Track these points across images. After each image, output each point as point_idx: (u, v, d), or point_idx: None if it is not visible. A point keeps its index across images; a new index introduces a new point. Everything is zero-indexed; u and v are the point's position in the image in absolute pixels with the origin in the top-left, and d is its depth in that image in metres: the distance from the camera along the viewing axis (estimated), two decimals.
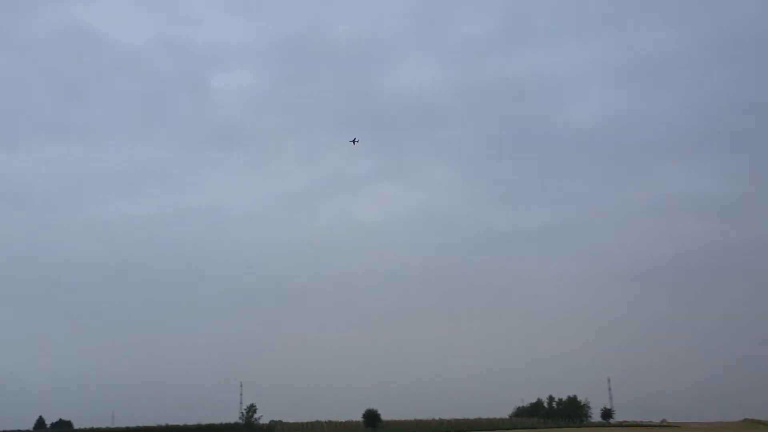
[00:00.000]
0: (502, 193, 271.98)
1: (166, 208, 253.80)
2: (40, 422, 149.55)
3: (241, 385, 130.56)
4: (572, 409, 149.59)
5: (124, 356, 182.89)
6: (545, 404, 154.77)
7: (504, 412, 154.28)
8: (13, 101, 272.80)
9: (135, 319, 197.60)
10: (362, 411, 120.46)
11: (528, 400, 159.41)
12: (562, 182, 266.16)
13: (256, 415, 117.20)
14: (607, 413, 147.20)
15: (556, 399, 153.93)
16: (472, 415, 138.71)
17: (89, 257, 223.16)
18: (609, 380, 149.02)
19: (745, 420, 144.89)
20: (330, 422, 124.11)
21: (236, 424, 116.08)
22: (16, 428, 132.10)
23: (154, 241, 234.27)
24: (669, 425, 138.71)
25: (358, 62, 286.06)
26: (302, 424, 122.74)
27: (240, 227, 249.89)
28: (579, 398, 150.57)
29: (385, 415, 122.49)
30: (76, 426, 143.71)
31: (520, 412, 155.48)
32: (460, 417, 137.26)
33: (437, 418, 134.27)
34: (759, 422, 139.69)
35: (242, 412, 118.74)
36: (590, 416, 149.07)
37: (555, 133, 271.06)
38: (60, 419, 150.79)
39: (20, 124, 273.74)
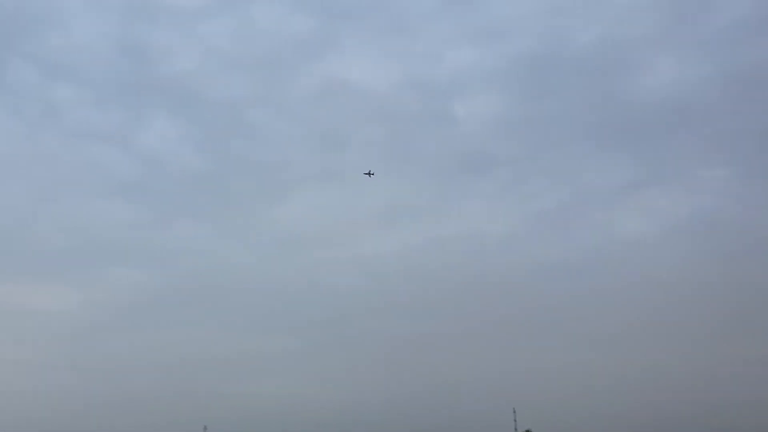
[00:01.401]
0: None
1: (421, 238, 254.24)
2: None
3: (515, 411, 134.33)
4: None
5: (395, 384, 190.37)
6: None
7: None
8: (279, 154, 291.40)
9: (401, 348, 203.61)
10: None
11: None
12: None
13: None
14: None
15: None
16: None
17: (356, 290, 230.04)
18: None
19: None
20: None
21: None
22: None
23: (413, 271, 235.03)
24: None
25: (603, 69, 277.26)
26: None
27: (496, 251, 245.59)
28: None
29: None
30: None
31: None
32: None
33: None
34: None
35: None
36: None
37: None
38: None
39: (287, 174, 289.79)
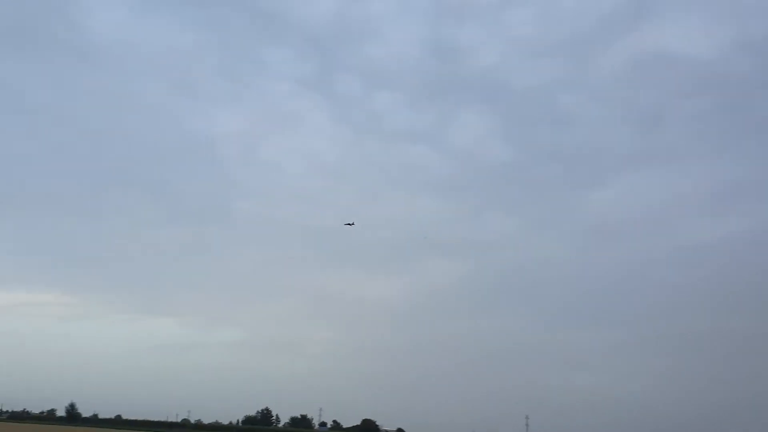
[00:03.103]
0: None
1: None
2: None
3: None
4: None
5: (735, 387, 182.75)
6: None
7: None
8: (591, 138, 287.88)
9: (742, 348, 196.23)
10: None
11: None
12: None
13: None
14: None
15: None
16: None
17: (681, 283, 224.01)
18: None
19: None
20: None
21: None
22: None
23: (743, 262, 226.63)
24: None
25: None
26: None
27: None
28: None
29: None
30: None
31: None
32: None
33: None
34: None
35: None
36: None
37: None
38: None
39: (600, 159, 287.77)
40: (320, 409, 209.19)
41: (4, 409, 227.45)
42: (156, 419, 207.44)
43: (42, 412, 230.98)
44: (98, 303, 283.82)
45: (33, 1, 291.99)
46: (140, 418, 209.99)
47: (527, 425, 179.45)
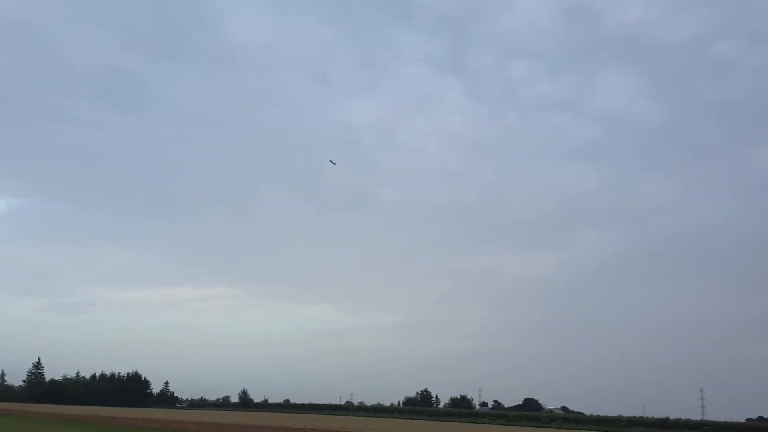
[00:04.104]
0: None
1: None
2: None
3: None
4: None
5: None
6: None
7: None
8: (752, 89, 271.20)
9: None
10: None
11: None
12: None
13: None
14: None
15: None
16: None
17: None
18: None
19: None
20: None
21: None
22: None
23: None
24: None
25: None
26: None
27: None
28: None
29: None
30: None
31: None
32: None
33: None
34: None
35: None
36: None
37: None
38: None
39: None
40: (479, 390, 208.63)
41: (184, 398, 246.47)
42: (321, 402, 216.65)
43: (218, 399, 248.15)
44: (259, 294, 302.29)
45: (180, 16, 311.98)
46: (306, 401, 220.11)
47: (702, 398, 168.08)
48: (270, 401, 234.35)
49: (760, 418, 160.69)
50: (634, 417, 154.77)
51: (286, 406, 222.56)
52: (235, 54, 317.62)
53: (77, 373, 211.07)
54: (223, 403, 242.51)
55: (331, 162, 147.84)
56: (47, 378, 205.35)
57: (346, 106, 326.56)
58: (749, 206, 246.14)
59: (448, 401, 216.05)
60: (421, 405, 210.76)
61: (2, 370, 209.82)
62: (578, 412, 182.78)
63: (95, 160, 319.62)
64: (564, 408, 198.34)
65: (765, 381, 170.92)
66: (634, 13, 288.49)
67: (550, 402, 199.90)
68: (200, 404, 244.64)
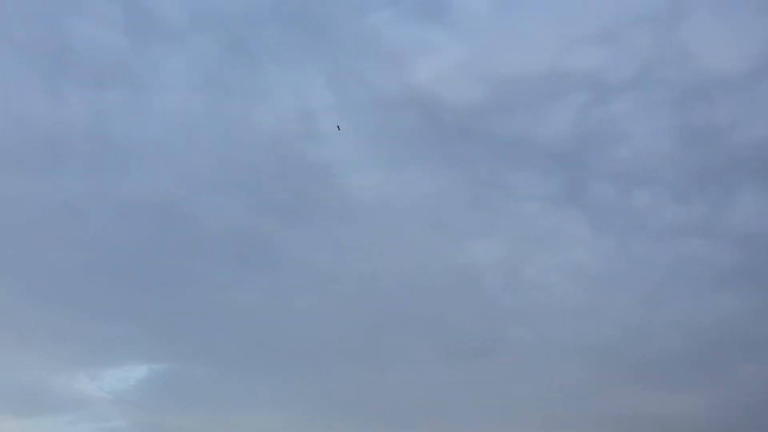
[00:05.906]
0: None
1: None
2: None
3: None
4: None
5: None
6: None
7: None
8: None
9: None
10: None
11: None
12: None
13: None
14: None
15: None
16: None
17: None
18: None
19: None
20: None
21: None
22: None
23: None
24: None
25: None
26: None
27: None
28: None
29: None
30: None
31: None
32: None
33: None
34: None
35: None
36: None
37: None
38: None
39: None
40: None
41: None
42: None
43: None
44: None
45: (306, 181, 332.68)
46: None
47: None
48: None
49: None
50: None
51: None
52: (354, 211, 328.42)
53: None
54: None
55: (337, 127, 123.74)
56: None
57: (466, 248, 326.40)
58: None
59: None
60: None
61: None
62: None
63: (233, 321, 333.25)
64: None
65: None
66: (760, 130, 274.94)
67: None
68: None
